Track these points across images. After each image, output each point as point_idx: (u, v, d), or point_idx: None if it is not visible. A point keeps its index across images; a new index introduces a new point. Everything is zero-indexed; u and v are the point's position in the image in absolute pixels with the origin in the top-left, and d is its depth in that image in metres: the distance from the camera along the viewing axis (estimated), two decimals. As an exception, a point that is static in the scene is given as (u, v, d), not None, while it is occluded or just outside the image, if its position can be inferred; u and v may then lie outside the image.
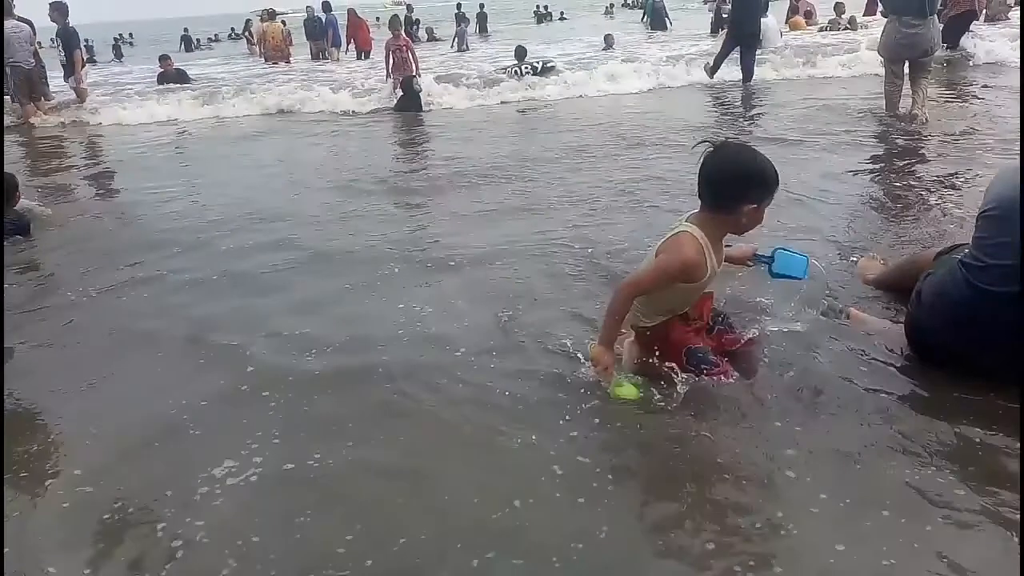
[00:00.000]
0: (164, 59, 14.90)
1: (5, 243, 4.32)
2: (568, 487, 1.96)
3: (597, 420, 2.26)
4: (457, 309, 3.20)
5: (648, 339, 2.46)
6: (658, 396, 2.32)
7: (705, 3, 25.78)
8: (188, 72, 14.94)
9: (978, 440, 2.04)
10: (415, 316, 3.15)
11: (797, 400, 2.31)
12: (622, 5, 44.33)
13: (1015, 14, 14.40)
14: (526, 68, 11.63)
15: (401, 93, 10.37)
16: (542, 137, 7.50)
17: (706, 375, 2.37)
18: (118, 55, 30.92)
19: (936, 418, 2.15)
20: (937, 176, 4.98)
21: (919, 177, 5.02)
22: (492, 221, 4.58)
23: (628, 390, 2.33)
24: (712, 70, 10.49)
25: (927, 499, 1.84)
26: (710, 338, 2.51)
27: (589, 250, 3.83)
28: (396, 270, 3.77)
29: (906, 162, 5.44)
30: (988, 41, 10.70)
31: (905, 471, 1.95)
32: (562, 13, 40.65)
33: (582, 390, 2.41)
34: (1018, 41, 9.81)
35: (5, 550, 1.80)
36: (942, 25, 10.64)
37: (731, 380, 2.38)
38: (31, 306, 3.56)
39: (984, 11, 11.97)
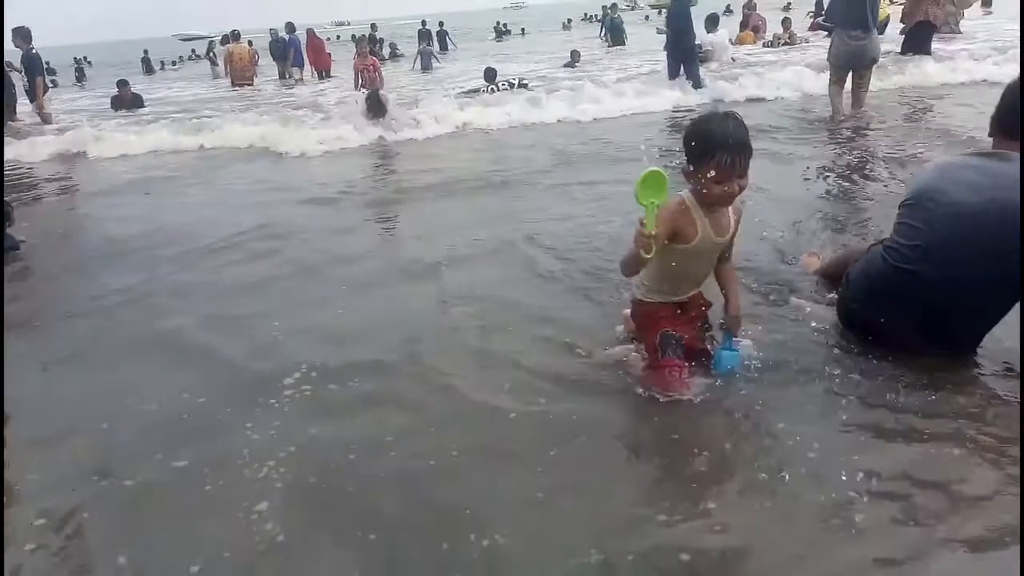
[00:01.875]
0: (122, 84, 14.59)
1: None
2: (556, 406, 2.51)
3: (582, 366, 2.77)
4: (440, 302, 3.63)
5: (639, 313, 2.64)
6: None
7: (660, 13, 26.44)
8: (156, 96, 14.86)
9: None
10: (406, 311, 3.58)
11: (755, 381, 2.56)
12: (581, 19, 45.21)
13: (966, 24, 14.97)
14: (503, 85, 11.73)
15: (366, 105, 10.14)
16: (505, 156, 7.64)
17: (664, 369, 2.49)
18: (80, 78, 30.73)
19: (875, 391, 2.44)
20: (875, 177, 5.38)
21: (857, 179, 5.40)
22: (463, 228, 4.86)
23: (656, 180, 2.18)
24: (672, 77, 11.19)
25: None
26: (693, 336, 2.60)
27: (546, 249, 4.24)
28: (384, 274, 4.15)
29: (845, 167, 5.82)
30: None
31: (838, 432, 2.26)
32: (523, 29, 41.35)
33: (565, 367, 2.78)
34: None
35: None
36: (903, 38, 11.29)
37: (683, 389, 2.47)
38: (80, 307, 3.96)
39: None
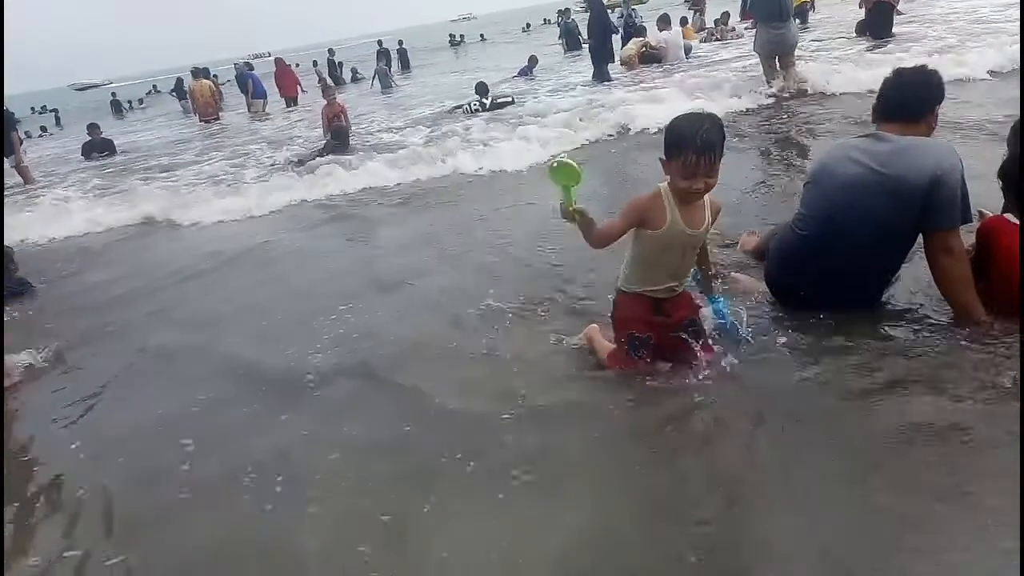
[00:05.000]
0: (93, 128, 15.13)
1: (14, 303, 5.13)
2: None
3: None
4: (419, 308, 4.10)
5: (617, 307, 2.82)
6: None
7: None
8: (129, 140, 15.13)
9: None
10: (393, 314, 4.04)
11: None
12: (541, 24, 45.70)
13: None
14: (478, 104, 11.75)
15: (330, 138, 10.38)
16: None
17: (624, 365, 2.78)
18: (57, 123, 31.20)
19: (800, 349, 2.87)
20: (802, 163, 5.88)
21: (786, 165, 5.96)
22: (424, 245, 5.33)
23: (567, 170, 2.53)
24: (602, 79, 12.56)
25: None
26: (668, 339, 2.76)
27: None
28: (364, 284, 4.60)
29: (775, 158, 6.37)
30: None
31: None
32: (482, 35, 41.85)
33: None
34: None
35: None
36: (864, 19, 11.87)
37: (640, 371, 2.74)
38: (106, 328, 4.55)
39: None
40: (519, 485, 2.34)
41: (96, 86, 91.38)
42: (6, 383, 3.69)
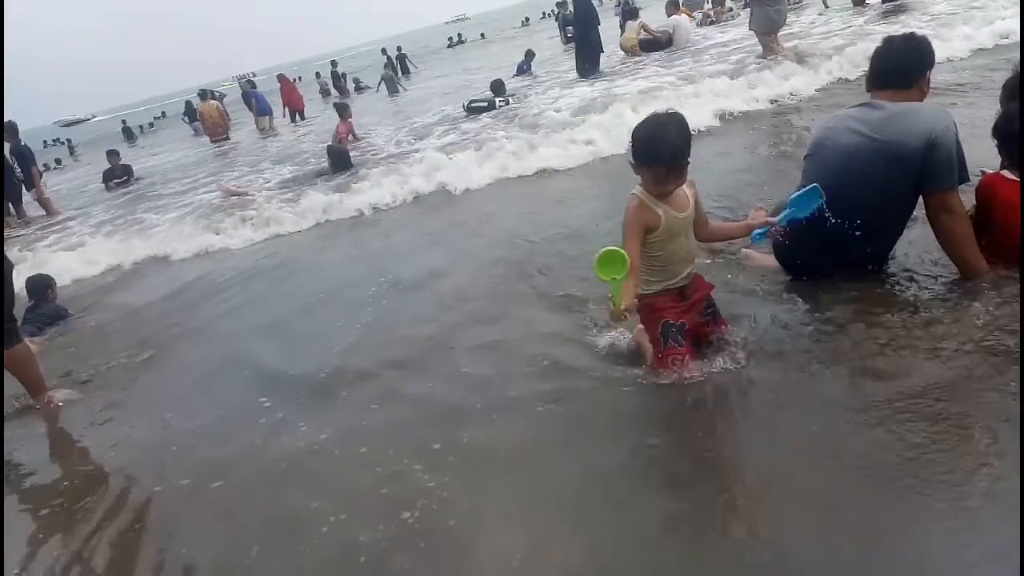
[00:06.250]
0: (112, 154, 15.34)
1: (54, 327, 5.40)
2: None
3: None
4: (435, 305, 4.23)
5: (642, 307, 2.73)
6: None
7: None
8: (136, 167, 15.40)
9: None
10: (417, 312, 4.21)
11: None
12: (540, 18, 45.72)
13: None
14: (510, 99, 11.61)
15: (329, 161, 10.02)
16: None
17: (667, 358, 2.75)
18: (71, 154, 31.98)
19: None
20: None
21: (792, 143, 6.02)
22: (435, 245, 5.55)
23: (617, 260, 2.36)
24: (586, 73, 12.56)
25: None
26: (696, 322, 2.81)
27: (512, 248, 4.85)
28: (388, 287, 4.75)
29: (781, 135, 6.46)
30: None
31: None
32: (482, 34, 41.90)
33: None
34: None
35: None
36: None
37: (689, 373, 2.72)
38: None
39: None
40: (542, 420, 2.72)
41: (81, 121, 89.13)
42: (43, 406, 3.94)
